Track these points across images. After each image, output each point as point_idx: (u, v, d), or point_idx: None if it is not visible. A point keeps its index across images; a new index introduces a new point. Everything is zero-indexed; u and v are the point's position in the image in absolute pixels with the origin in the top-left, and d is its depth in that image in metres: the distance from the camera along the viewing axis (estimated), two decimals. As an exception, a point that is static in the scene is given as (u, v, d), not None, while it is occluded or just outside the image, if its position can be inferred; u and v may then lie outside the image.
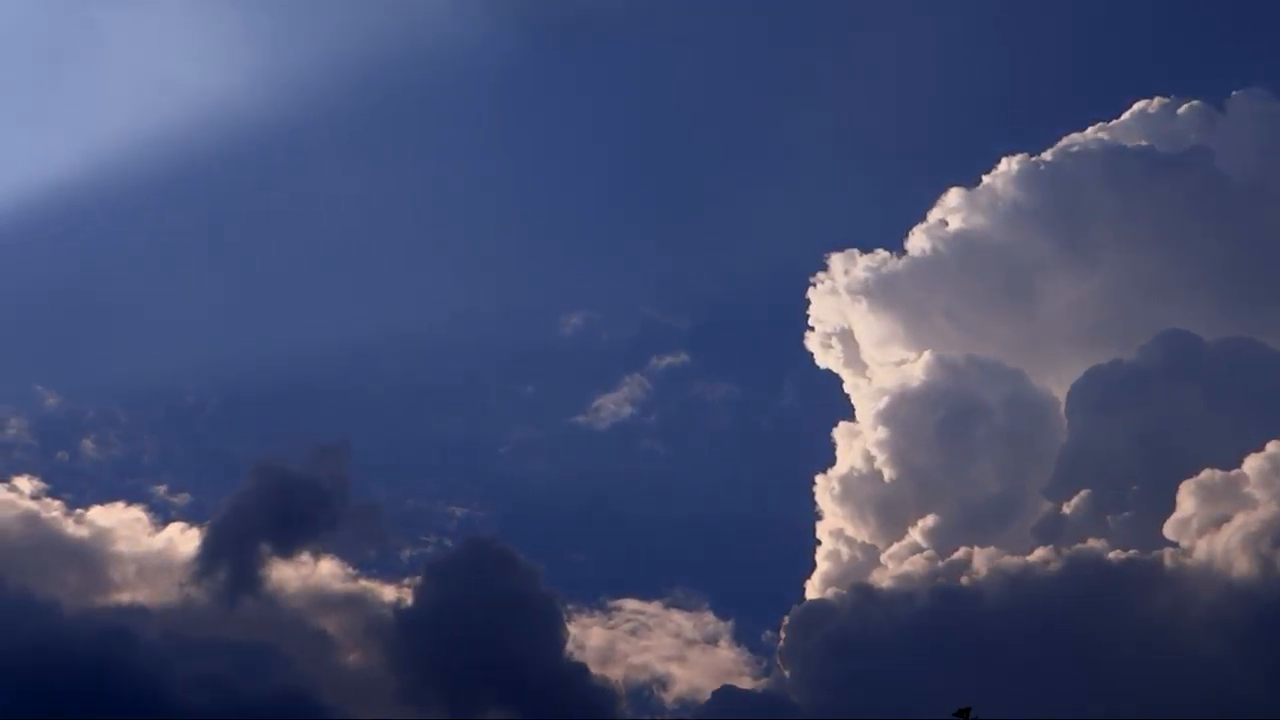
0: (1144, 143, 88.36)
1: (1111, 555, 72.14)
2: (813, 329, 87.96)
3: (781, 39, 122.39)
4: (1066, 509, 77.51)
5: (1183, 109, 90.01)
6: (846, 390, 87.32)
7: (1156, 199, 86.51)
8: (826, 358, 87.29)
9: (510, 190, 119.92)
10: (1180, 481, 74.20)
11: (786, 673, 70.10)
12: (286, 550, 75.38)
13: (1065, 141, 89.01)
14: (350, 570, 76.34)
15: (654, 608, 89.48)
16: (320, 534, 76.57)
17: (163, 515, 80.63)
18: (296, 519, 75.90)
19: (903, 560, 75.83)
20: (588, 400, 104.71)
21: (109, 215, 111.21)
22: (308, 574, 75.66)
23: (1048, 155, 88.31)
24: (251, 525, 75.12)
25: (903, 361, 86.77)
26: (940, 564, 73.31)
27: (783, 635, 71.99)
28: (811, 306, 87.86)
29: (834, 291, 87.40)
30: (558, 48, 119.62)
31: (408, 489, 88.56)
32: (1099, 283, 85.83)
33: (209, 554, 74.64)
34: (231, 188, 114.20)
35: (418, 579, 75.43)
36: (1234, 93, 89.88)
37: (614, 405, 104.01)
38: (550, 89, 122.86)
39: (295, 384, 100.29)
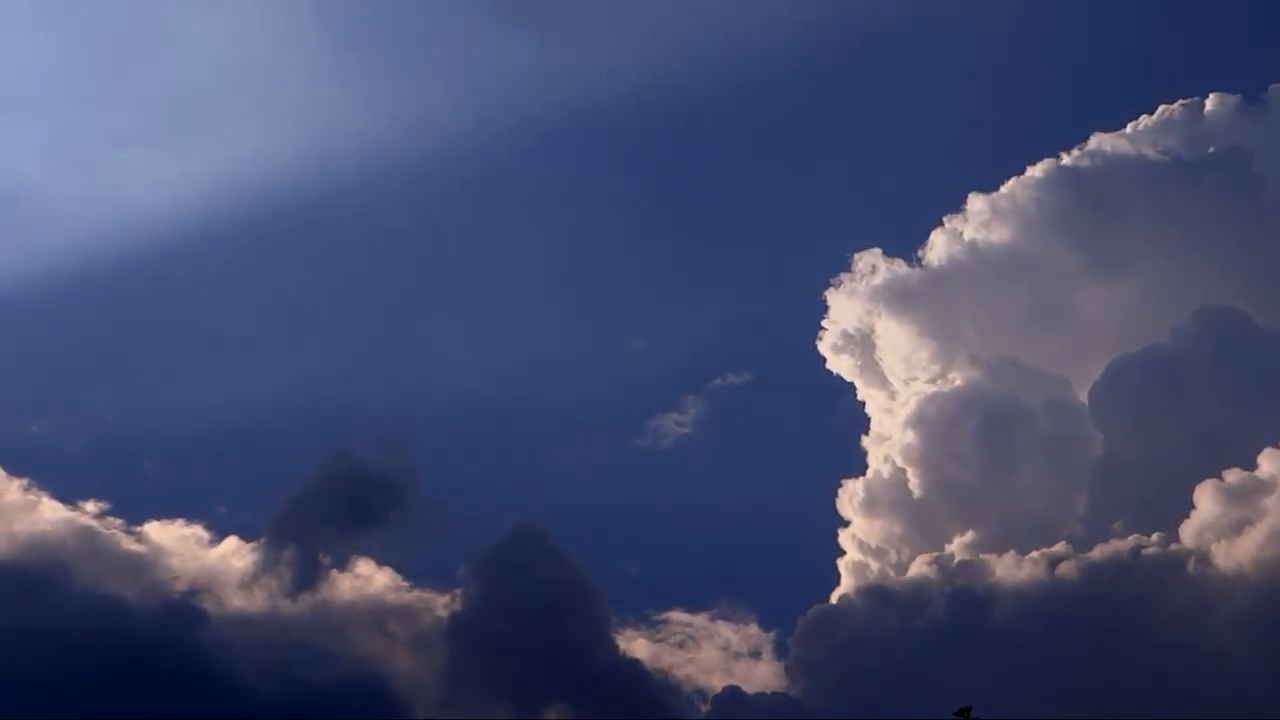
0: (1176, 142, 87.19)
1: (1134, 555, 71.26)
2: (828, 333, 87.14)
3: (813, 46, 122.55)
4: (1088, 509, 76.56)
5: (1215, 106, 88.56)
6: (874, 400, 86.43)
7: (1192, 201, 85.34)
8: (846, 365, 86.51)
9: (575, 222, 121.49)
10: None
11: (796, 680, 69.80)
12: (351, 541, 76.64)
13: (1094, 143, 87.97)
14: (405, 578, 76.92)
15: (701, 619, 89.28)
16: (386, 526, 77.65)
17: (220, 531, 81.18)
18: (364, 508, 76.82)
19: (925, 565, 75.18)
20: (647, 420, 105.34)
21: (192, 244, 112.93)
22: (366, 578, 76.17)
23: (1076, 158, 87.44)
24: (319, 514, 76.31)
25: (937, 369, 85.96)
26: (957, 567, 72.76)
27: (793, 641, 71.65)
28: (831, 311, 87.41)
29: (855, 294, 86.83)
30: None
31: (467, 503, 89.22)
32: (1129, 290, 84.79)
33: (274, 541, 75.36)
34: (304, 221, 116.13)
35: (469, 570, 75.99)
36: (1272, 85, 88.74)
37: (672, 424, 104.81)
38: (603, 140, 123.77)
39: (359, 407, 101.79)
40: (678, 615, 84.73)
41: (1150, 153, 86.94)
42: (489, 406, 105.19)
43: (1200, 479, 74.33)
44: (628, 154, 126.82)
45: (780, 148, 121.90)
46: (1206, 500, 73.28)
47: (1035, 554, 74.90)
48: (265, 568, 74.85)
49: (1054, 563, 73.64)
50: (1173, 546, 71.86)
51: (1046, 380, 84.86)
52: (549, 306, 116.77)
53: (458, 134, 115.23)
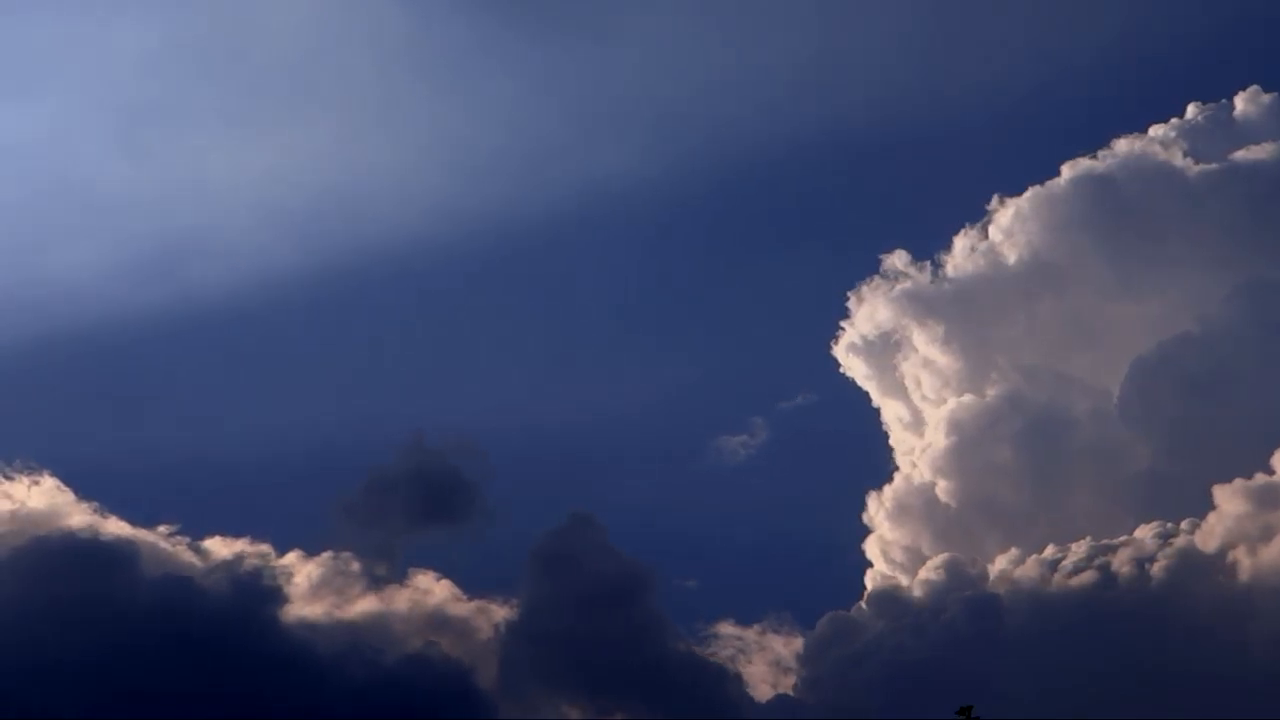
0: (1207, 143, 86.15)
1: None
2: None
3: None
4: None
5: (1245, 106, 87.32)
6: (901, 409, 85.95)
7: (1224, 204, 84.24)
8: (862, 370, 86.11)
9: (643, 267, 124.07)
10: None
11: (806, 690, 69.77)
12: (421, 535, 78.32)
13: (1125, 147, 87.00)
14: (464, 590, 77.27)
15: (751, 633, 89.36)
16: (456, 523, 78.68)
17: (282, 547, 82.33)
18: (437, 501, 78.13)
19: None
20: (711, 440, 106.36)
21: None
22: (425, 590, 76.98)
23: (1104, 161, 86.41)
24: (393, 502, 77.69)
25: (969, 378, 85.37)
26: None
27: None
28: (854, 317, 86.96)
29: (882, 299, 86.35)
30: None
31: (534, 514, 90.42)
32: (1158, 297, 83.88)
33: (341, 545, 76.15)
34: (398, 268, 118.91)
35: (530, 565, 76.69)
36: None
37: (736, 445, 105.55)
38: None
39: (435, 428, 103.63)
40: (728, 628, 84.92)
41: (1179, 155, 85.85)
42: (562, 432, 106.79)
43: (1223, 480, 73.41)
44: (696, 207, 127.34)
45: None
46: (1229, 502, 72.37)
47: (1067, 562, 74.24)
48: (327, 578, 75.61)
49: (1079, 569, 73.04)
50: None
51: (1083, 389, 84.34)
52: (623, 341, 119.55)
53: (530, 198, 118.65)
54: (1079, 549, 73.52)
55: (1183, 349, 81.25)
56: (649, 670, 72.56)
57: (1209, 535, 71.75)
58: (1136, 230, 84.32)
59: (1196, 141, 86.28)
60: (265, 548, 76.73)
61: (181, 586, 71.30)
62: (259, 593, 72.41)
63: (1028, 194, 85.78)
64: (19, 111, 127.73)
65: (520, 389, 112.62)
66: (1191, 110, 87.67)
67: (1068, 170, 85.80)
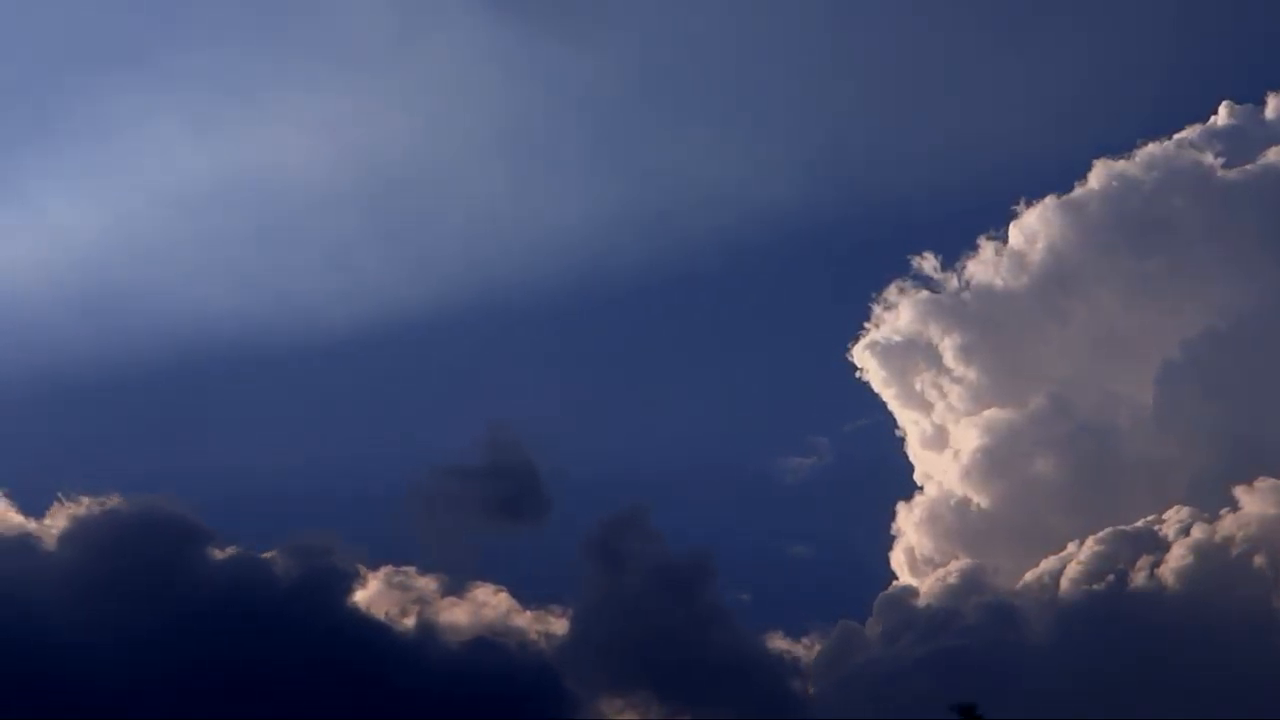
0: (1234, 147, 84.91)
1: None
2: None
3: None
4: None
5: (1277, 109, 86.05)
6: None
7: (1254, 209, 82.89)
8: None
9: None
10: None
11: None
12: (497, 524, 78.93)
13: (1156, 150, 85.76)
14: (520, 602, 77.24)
15: (799, 648, 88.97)
16: (523, 519, 79.35)
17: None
18: (508, 494, 78.59)
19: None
20: (775, 460, 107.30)
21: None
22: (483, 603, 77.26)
23: (1136, 164, 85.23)
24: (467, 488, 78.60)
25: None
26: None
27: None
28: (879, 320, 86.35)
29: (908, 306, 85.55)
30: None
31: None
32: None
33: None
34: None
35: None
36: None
37: (798, 464, 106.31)
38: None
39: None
40: (778, 641, 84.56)
41: (1210, 157, 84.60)
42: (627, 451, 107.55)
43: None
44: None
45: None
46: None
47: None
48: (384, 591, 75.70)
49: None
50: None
51: (1117, 397, 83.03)
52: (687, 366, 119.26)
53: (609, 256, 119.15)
54: (1103, 552, 72.21)
55: (1214, 351, 79.82)
56: (714, 665, 72.26)
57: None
58: (1166, 233, 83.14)
59: (1228, 144, 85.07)
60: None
61: (255, 566, 72.31)
62: (330, 575, 73.00)
63: (1049, 200, 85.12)
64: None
65: (590, 408, 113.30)
66: (1223, 112, 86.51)
67: (1094, 176, 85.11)
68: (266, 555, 73.05)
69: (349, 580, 72.63)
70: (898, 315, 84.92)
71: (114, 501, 73.80)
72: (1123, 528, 73.37)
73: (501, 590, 76.07)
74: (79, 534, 72.16)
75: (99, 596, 68.76)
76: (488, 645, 72.04)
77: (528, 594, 76.17)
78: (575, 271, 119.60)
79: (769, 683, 72.36)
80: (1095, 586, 70.33)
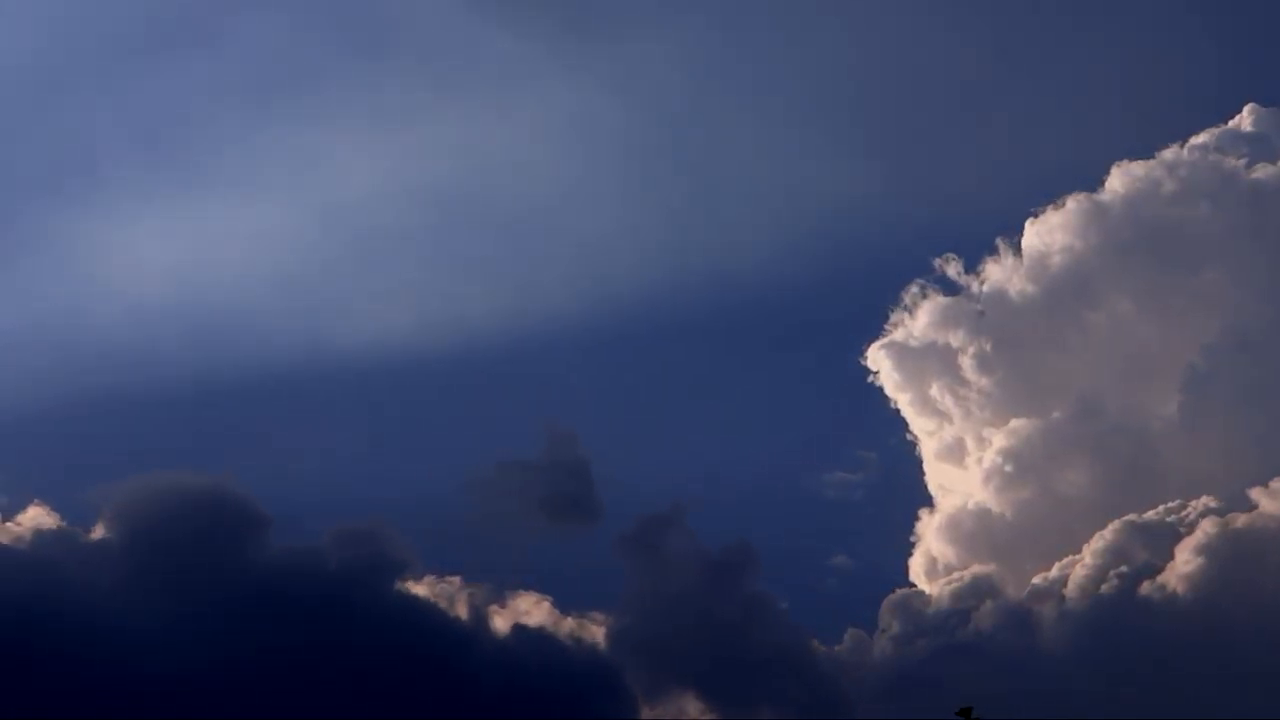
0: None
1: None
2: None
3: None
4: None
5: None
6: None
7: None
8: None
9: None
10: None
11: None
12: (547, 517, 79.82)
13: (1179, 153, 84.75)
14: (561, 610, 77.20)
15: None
16: (578, 520, 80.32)
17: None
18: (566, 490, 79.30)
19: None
20: (823, 471, 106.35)
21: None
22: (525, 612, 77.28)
23: (1158, 166, 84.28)
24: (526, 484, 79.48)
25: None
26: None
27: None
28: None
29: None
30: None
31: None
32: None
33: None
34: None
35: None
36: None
37: (846, 478, 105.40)
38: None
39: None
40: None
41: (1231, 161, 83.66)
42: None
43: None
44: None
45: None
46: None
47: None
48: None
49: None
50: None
51: (1140, 404, 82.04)
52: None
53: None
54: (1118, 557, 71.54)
55: (1238, 356, 78.92)
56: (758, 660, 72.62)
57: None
58: (1188, 236, 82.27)
59: (1251, 146, 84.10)
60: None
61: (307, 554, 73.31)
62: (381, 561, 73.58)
63: (1069, 203, 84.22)
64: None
65: (638, 425, 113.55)
66: (1246, 114, 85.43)
67: (1115, 179, 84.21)
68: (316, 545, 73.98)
69: (400, 570, 73.16)
70: (916, 319, 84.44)
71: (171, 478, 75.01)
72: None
73: (545, 599, 76.18)
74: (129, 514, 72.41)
75: (156, 572, 69.72)
76: (538, 637, 72.63)
77: (569, 602, 76.22)
78: (627, 295, 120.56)
79: (815, 680, 72.46)
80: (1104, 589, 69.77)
